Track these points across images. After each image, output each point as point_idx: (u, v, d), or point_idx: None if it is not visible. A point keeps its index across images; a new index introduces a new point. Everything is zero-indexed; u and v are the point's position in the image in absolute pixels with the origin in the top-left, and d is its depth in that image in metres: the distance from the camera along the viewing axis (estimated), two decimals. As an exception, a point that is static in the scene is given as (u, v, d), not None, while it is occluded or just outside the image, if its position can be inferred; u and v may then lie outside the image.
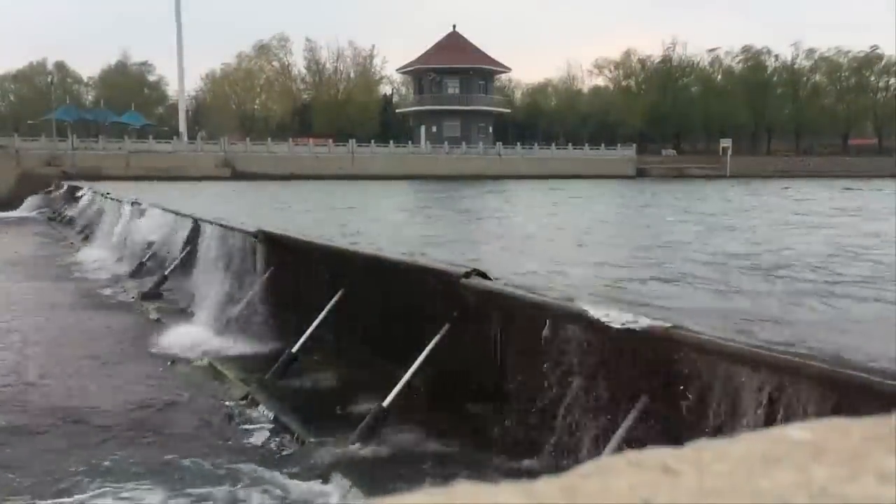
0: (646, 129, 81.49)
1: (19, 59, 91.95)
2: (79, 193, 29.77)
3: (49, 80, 73.88)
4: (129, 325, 11.61)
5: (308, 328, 8.57)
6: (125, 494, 5.59)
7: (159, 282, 14.13)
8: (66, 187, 34.87)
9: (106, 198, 23.53)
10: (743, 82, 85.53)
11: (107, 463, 6.13)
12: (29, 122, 65.43)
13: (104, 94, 76.55)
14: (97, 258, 18.57)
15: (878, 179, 55.43)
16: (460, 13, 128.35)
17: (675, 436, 4.41)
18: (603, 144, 71.90)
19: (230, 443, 6.70)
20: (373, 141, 64.32)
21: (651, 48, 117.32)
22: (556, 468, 0.73)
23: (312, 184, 46.71)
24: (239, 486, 5.77)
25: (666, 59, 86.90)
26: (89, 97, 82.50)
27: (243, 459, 6.27)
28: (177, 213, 15.58)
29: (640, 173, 68.39)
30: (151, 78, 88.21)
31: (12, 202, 38.63)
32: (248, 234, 10.98)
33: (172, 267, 14.17)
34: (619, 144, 73.27)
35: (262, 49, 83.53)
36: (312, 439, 6.53)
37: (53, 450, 6.42)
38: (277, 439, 6.75)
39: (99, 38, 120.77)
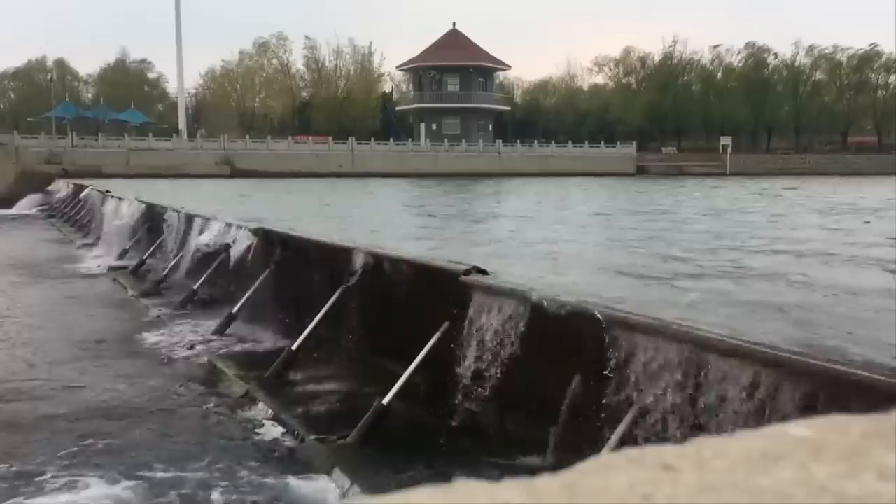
0: (646, 126, 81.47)
1: (18, 58, 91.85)
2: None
3: (49, 77, 73.86)
4: (126, 323, 11.61)
5: (308, 326, 8.58)
6: (122, 492, 5.60)
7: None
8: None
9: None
10: (743, 80, 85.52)
11: (102, 461, 6.14)
12: (28, 119, 65.42)
13: (104, 92, 76.56)
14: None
15: (879, 177, 55.37)
16: (460, 11, 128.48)
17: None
18: (603, 142, 71.92)
19: (229, 440, 6.71)
20: (372, 139, 64.31)
21: (651, 45, 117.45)
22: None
23: (312, 182, 46.70)
24: (238, 483, 5.78)
25: (667, 57, 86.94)
26: (89, 95, 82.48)
27: (243, 457, 6.27)
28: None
29: (640, 171, 68.42)
30: (151, 75, 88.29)
31: (12, 200, 38.62)
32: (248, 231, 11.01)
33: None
34: (619, 142, 73.30)
35: (262, 47, 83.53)
36: (312, 437, 6.53)
37: (52, 448, 6.42)
38: (277, 437, 6.75)
39: (98, 36, 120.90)
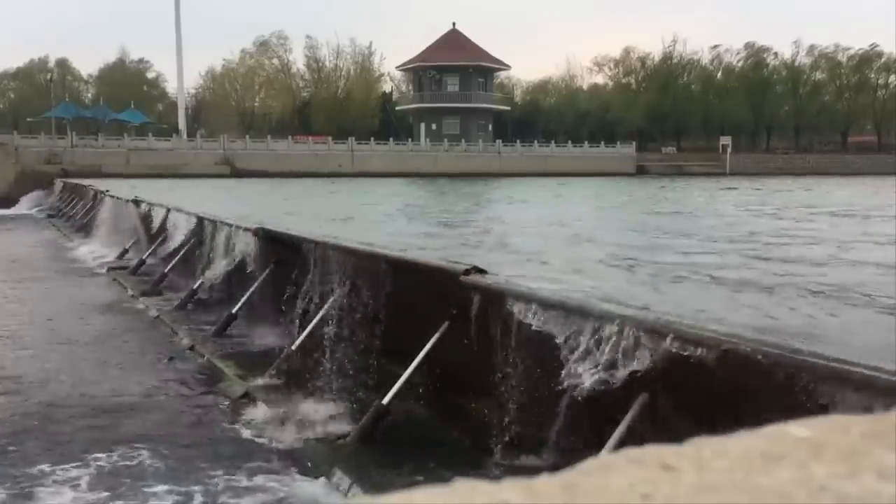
0: (646, 126, 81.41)
1: (18, 58, 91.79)
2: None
3: (49, 77, 73.85)
4: (126, 323, 11.61)
5: (308, 326, 8.58)
6: (120, 490, 5.60)
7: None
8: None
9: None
10: (743, 80, 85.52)
11: (99, 459, 6.13)
12: (28, 119, 65.38)
13: (103, 92, 76.49)
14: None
15: (880, 177, 55.34)
16: (460, 11, 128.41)
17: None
18: (603, 142, 71.92)
19: (229, 440, 6.71)
20: (372, 138, 64.28)
21: (651, 45, 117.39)
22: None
23: (311, 181, 46.68)
24: (238, 483, 5.78)
25: (666, 57, 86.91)
26: (88, 95, 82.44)
27: (242, 457, 6.27)
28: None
29: (640, 171, 68.38)
30: (150, 75, 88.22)
31: (12, 200, 38.61)
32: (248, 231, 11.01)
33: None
34: (619, 142, 73.29)
35: (262, 46, 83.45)
36: (312, 437, 6.53)
37: (50, 445, 6.42)
38: (276, 436, 6.75)
39: (98, 36, 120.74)
